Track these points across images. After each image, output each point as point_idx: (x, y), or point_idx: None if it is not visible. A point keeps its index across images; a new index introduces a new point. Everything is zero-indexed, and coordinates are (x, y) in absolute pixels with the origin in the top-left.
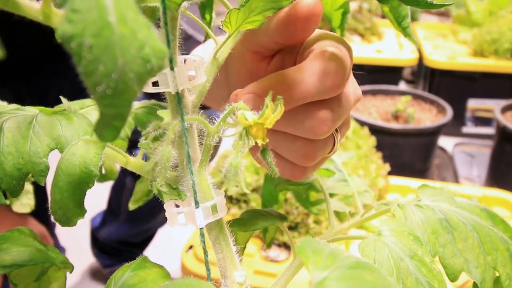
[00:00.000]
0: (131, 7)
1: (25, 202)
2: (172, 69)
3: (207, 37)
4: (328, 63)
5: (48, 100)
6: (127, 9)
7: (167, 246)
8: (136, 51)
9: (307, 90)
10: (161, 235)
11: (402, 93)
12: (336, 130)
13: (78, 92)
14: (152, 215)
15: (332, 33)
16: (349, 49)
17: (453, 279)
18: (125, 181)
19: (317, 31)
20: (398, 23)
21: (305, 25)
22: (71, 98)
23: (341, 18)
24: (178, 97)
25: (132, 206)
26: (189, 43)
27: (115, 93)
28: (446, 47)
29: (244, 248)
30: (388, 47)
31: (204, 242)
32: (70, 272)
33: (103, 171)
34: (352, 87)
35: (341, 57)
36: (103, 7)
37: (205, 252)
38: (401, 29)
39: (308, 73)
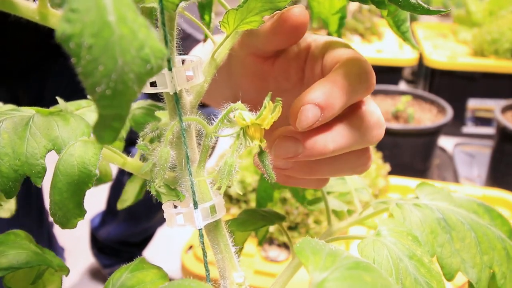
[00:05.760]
0: (130, 7)
1: (6, 207)
2: (170, 69)
3: (206, 37)
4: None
5: (44, 99)
6: (127, 9)
7: (167, 246)
8: (136, 52)
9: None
10: (161, 235)
11: (402, 93)
12: None
13: (74, 91)
14: (151, 214)
15: (340, 40)
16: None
17: (449, 278)
18: (123, 181)
19: (321, 37)
20: (397, 27)
21: (292, 34)
22: (67, 97)
23: (338, 23)
24: (176, 97)
25: (120, 205)
26: (187, 42)
27: (114, 93)
28: (446, 47)
29: (242, 248)
30: (388, 47)
31: (203, 243)
32: (66, 276)
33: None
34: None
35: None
36: (103, 6)
37: (204, 253)
38: (400, 33)
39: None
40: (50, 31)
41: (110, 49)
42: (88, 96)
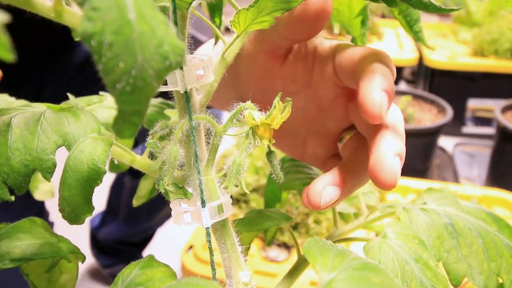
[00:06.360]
0: (150, 5)
1: (46, 190)
2: (181, 68)
3: (217, 39)
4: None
5: (43, 100)
6: (146, 7)
7: (167, 246)
8: (155, 48)
9: None
10: (161, 235)
11: (402, 93)
12: None
13: (73, 91)
14: (151, 214)
15: (345, 42)
16: None
17: (456, 284)
18: (123, 181)
19: (326, 40)
20: (410, 27)
21: (315, 21)
22: (66, 97)
23: (361, 26)
24: (187, 96)
25: (136, 202)
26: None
27: (134, 89)
28: (446, 47)
29: (249, 248)
30: (388, 47)
31: (210, 242)
32: (82, 262)
33: (116, 162)
34: None
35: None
36: (123, 4)
37: (211, 252)
38: (413, 33)
39: None
40: (49, 32)
41: (130, 46)
42: (100, 93)
